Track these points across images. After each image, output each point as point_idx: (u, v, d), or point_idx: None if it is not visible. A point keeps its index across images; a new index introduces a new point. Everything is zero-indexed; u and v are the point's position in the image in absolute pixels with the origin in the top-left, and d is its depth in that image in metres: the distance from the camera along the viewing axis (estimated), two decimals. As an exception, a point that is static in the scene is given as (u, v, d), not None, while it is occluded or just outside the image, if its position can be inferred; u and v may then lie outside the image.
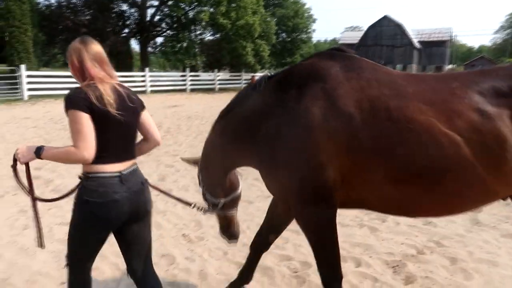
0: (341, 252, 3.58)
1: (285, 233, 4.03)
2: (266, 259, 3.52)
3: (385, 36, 53.50)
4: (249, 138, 2.28)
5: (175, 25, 30.31)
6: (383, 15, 53.94)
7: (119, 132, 2.04)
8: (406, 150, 1.93)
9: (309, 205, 2.16)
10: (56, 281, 3.11)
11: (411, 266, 3.39)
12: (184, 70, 28.73)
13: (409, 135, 1.92)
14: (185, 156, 7.28)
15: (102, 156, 1.98)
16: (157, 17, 31.44)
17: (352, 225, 4.31)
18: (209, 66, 33.45)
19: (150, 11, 31.37)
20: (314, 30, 46.01)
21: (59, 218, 4.41)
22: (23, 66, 17.27)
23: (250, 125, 2.27)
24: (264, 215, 4.54)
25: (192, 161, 2.92)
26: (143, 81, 24.71)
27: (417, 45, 53.88)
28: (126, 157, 2.10)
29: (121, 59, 30.57)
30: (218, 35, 30.53)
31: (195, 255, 3.60)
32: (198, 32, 31.26)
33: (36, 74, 18.75)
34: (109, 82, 2.05)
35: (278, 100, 2.18)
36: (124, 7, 32.18)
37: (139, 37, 31.11)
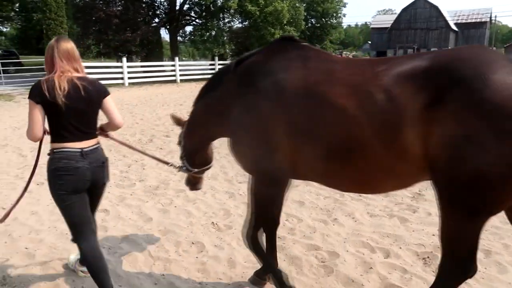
0: (370, 242, 3.58)
1: (312, 223, 4.06)
2: (294, 248, 3.55)
3: (419, 18, 51.56)
4: (223, 116, 2.66)
5: (203, 14, 30.41)
6: (417, -3, 51.86)
7: (74, 117, 2.48)
8: (327, 131, 2.17)
9: (260, 181, 2.60)
10: (92, 266, 3.25)
11: (442, 258, 3.32)
12: (213, 59, 28.85)
13: (329, 118, 2.15)
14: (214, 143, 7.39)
15: (64, 136, 2.49)
16: (186, 6, 31.65)
17: (381, 215, 4.26)
18: (237, 54, 33.41)
19: (179, 0, 31.60)
20: (344, 15, 44.97)
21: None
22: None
23: (224, 106, 2.65)
24: (293, 204, 4.57)
25: (178, 122, 3.32)
26: (173, 70, 25.02)
27: (454, 27, 51.66)
28: (86, 138, 2.56)
29: (151, 49, 31.11)
30: (246, 23, 30.40)
31: (224, 243, 3.67)
32: (226, 20, 31.30)
33: (72, 65, 19.31)
34: (68, 75, 2.46)
35: (240, 90, 2.53)
36: (154, -4, 32.59)
37: (168, 27, 31.43)
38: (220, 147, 7.30)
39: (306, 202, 4.66)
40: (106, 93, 2.67)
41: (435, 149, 1.87)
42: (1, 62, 18.14)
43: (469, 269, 2.07)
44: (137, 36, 28.05)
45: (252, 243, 2.86)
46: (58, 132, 2.50)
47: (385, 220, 4.14)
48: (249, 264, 3.29)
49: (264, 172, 2.52)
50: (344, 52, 73.54)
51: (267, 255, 2.89)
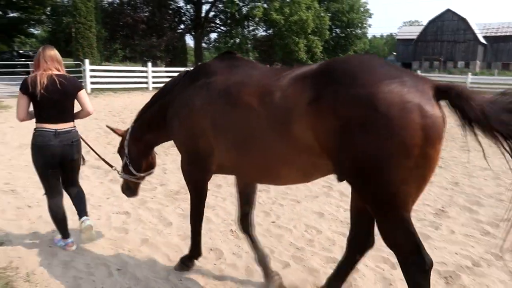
0: (391, 258, 3.52)
1: (332, 235, 4.02)
2: (312, 260, 3.53)
3: (446, 31, 50.79)
4: (165, 118, 3.11)
5: (228, 21, 30.79)
6: (445, 9, 51.15)
7: (51, 105, 3.28)
8: (236, 125, 2.48)
9: (188, 165, 3.03)
10: (113, 266, 3.32)
11: (465, 278, 3.24)
12: (236, 66, 29.11)
13: (237, 112, 2.46)
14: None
15: (43, 118, 3.31)
16: (211, 13, 32.13)
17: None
18: (261, 62, 33.64)
19: (205, 8, 32.10)
20: (370, 25, 44.56)
21: (116, 207, 4.68)
22: (87, 61, 18.35)
23: (168, 108, 3.07)
24: (312, 215, 4.55)
25: (116, 132, 3.73)
26: (196, 76, 25.32)
27: (483, 40, 50.59)
28: (60, 121, 3.36)
29: (176, 54, 31.61)
30: (270, 31, 30.61)
31: (242, 251, 3.69)
32: (251, 28, 31.58)
33: (98, 68, 19.84)
34: (49, 73, 3.28)
35: (182, 89, 2.96)
36: (181, 3, 33.26)
37: (194, 33, 31.93)
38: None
39: (325, 213, 4.63)
40: (80, 88, 3.53)
41: (323, 141, 2.09)
42: (31, 64, 18.74)
43: (419, 261, 2.09)
44: (162, 41, 28.61)
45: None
46: (39, 115, 3.34)
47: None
48: (266, 273, 3.28)
49: (190, 153, 2.94)
50: (368, 63, 73.08)
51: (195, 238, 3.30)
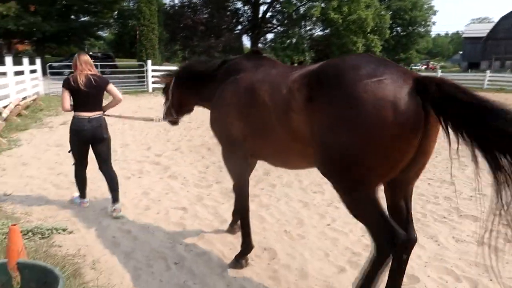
0: (455, 270, 3.31)
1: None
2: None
3: (521, 28, 46.96)
4: (207, 93, 3.60)
5: (285, 21, 30.75)
6: (520, 4, 47.34)
7: (87, 97, 4.20)
8: (255, 115, 2.85)
9: (227, 152, 3.37)
10: (170, 260, 3.43)
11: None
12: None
13: (256, 105, 2.82)
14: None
15: (80, 108, 4.24)
16: (268, 14, 32.29)
17: (469, 241, 3.92)
18: (317, 62, 33.22)
19: (262, 8, 32.33)
20: (434, 23, 42.42)
21: (174, 202, 4.84)
22: (149, 62, 19.21)
23: (210, 88, 3.52)
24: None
25: (162, 79, 4.26)
26: (252, 76, 25.60)
27: None
28: (93, 110, 4.26)
29: (233, 55, 32.13)
30: (327, 31, 30.14)
31: (296, 252, 3.65)
32: (308, 28, 31.31)
33: (159, 68, 20.71)
34: (85, 72, 4.20)
35: (220, 82, 3.36)
36: (239, 4, 33.78)
37: (250, 34, 32.29)
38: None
39: (383, 219, 4.45)
40: (108, 83, 4.40)
41: (316, 135, 2.32)
42: (100, 64, 19.98)
43: (391, 240, 2.25)
44: (220, 42, 29.26)
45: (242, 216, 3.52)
46: (77, 105, 4.25)
47: (473, 247, 3.80)
48: (320, 277, 3.22)
49: (226, 141, 3.30)
50: (431, 62, 69.43)
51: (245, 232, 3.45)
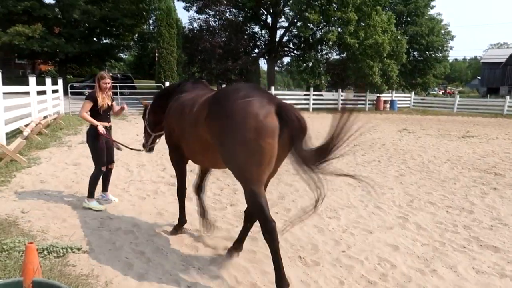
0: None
1: (407, 271, 3.77)
2: (386, 296, 3.31)
3: (541, 54, 46.42)
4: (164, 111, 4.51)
5: (302, 45, 31.10)
6: (539, 31, 46.97)
7: (104, 111, 5.31)
8: (181, 125, 3.89)
9: (170, 150, 4.40)
10: (183, 283, 3.41)
11: None
12: (308, 89, 29.17)
13: (185, 120, 3.79)
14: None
15: (101, 118, 5.28)
16: (285, 38, 32.72)
17: (490, 272, 3.80)
18: (333, 86, 33.32)
19: (279, 32, 32.84)
20: (451, 48, 42.13)
21: (188, 224, 4.83)
22: (167, 83, 19.59)
23: (166, 106, 4.46)
24: (386, 247, 4.31)
25: (142, 102, 5.39)
26: (268, 98, 25.78)
27: None
28: (107, 120, 5.40)
29: (249, 77, 32.58)
30: (344, 55, 30.31)
31: (310, 279, 3.59)
32: (324, 52, 31.53)
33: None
34: (104, 92, 5.28)
35: (171, 100, 4.41)
36: (256, 28, 34.37)
37: (267, 57, 32.72)
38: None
39: (400, 247, 4.35)
40: (113, 100, 5.52)
41: (213, 140, 3.34)
42: (119, 85, 20.48)
43: (266, 222, 3.18)
44: (237, 65, 29.71)
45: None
46: (98, 116, 5.26)
47: (494, 279, 3.67)
48: (335, 306, 3.15)
49: (171, 144, 4.30)
50: (449, 87, 68.88)
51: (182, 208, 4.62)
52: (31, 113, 11.37)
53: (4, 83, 8.43)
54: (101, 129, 5.16)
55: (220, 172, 7.60)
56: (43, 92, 13.53)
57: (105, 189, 5.68)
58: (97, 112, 5.24)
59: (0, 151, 7.56)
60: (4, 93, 8.43)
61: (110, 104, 5.38)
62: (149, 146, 5.22)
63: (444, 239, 4.61)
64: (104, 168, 5.38)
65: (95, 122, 5.18)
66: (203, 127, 3.39)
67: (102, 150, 5.28)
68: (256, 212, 3.22)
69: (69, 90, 17.25)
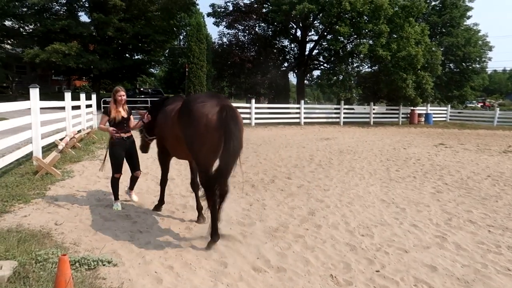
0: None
1: None
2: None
3: None
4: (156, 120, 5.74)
5: (332, 59, 30.97)
6: None
7: (121, 123, 5.87)
8: (164, 131, 5.29)
9: (159, 152, 5.72)
10: (211, 300, 3.39)
11: None
12: (338, 103, 28.92)
13: (166, 125, 5.14)
14: (336, 190, 7.23)
15: (117, 131, 5.77)
16: (315, 51, 32.71)
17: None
18: (364, 99, 32.89)
19: (309, 46, 32.88)
20: (490, 59, 40.73)
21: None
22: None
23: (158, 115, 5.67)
24: (423, 268, 4.15)
25: (139, 113, 6.09)
26: (297, 112, 25.78)
27: None
28: (126, 132, 5.91)
29: (278, 91, 32.69)
30: (376, 67, 29.94)
31: (342, 299, 3.49)
32: (355, 65, 31.25)
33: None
34: (119, 106, 5.90)
35: (160, 111, 5.63)
36: (285, 42, 34.55)
37: (296, 71, 32.77)
38: (343, 195, 7.13)
39: (439, 268, 4.18)
40: (131, 113, 6.07)
41: (183, 135, 4.63)
42: (150, 100, 21.01)
43: (209, 192, 4.44)
44: (266, 79, 29.92)
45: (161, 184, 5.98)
46: (116, 127, 5.79)
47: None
48: (370, 328, 3.04)
49: (159, 146, 5.68)
50: (488, 100, 66.54)
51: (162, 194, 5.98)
52: (66, 128, 11.82)
53: (41, 99, 8.82)
54: (111, 129, 5.70)
55: (249, 187, 7.61)
56: (78, 107, 14.07)
57: (131, 187, 6.47)
58: (112, 124, 5.80)
59: (36, 164, 7.88)
60: (41, 108, 8.81)
61: (126, 116, 5.91)
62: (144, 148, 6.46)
63: (487, 261, 4.39)
64: (117, 175, 5.93)
65: (109, 128, 5.73)
66: (176, 126, 4.71)
67: (117, 158, 5.84)
68: (205, 188, 4.41)
69: (102, 105, 17.84)
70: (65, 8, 32.91)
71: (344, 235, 5.13)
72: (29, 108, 8.46)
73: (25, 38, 32.37)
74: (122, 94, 5.87)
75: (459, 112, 35.37)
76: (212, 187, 4.30)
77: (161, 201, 6.00)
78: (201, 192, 4.62)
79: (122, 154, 5.88)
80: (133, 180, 6.34)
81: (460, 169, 10.41)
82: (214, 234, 4.52)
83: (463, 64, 36.13)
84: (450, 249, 4.73)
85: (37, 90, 8.61)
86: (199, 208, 5.54)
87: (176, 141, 4.87)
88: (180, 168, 9.29)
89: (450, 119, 33.48)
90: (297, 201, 6.70)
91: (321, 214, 6.01)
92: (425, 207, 6.54)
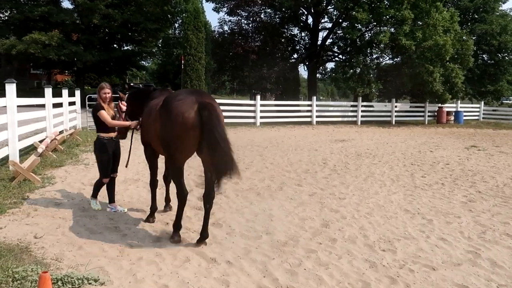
0: None
1: None
2: None
3: None
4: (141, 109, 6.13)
5: (348, 49, 30.98)
6: None
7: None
8: (147, 127, 5.71)
9: (144, 148, 6.18)
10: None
11: None
12: (355, 99, 28.91)
13: (148, 121, 5.62)
14: (353, 199, 7.23)
15: (107, 131, 6.30)
16: (329, 41, 32.75)
17: None
18: (385, 95, 32.85)
19: (321, 35, 32.91)
20: (529, 49, 40.50)
21: (217, 254, 4.85)
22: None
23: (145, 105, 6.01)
24: (452, 287, 4.14)
25: (121, 99, 6.69)
26: (309, 110, 25.79)
27: None
28: (113, 131, 6.33)
29: (287, 86, 32.69)
30: (398, 59, 29.92)
31: (361, 323, 3.49)
32: (374, 56, 31.24)
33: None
34: (108, 105, 6.35)
35: (146, 103, 5.96)
36: (295, 31, 34.61)
37: (307, 63, 32.81)
38: (361, 204, 7.12)
39: None
40: (115, 112, 6.53)
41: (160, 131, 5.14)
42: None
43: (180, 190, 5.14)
44: (273, 72, 29.96)
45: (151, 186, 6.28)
46: (104, 127, 6.24)
47: None
48: None
49: (144, 142, 6.09)
50: (527, 96, 66.01)
51: (153, 198, 6.19)
52: (46, 128, 11.91)
53: (18, 95, 8.90)
54: (134, 124, 6.21)
55: (254, 196, 7.62)
56: (59, 105, 14.17)
57: (111, 200, 6.56)
58: (102, 123, 6.19)
59: (13, 169, 7.95)
60: (18, 106, 8.89)
61: (113, 114, 6.34)
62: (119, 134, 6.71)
63: (527, 280, 4.37)
64: (106, 180, 6.36)
65: (127, 123, 6.29)
66: (158, 122, 5.13)
67: (107, 162, 6.29)
68: (176, 185, 5.09)
69: (86, 102, 17.96)
70: (45, -7, 33.23)
71: (363, 250, 5.13)
72: (5, 106, 8.54)
73: (0, 27, 32.66)
74: (106, 92, 6.26)
75: (493, 110, 35.22)
76: (183, 185, 5.11)
77: (153, 208, 6.11)
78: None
79: (111, 156, 6.32)
80: (111, 188, 6.54)
81: (495, 175, 10.37)
82: (174, 231, 5.25)
83: (499, 55, 36.00)
84: (485, 267, 4.71)
85: (14, 85, 8.69)
86: (167, 199, 6.58)
87: (157, 137, 5.26)
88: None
89: (483, 118, 33.34)
90: (309, 211, 6.71)
91: (336, 226, 6.00)
92: (455, 218, 6.52)
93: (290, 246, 5.20)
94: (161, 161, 6.09)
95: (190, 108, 4.72)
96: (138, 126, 6.25)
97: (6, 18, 33.15)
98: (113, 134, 6.30)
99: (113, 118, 6.29)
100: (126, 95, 6.50)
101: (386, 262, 4.77)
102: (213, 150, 4.59)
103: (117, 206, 6.52)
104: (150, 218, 6.02)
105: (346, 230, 5.85)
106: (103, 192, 6.56)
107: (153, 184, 6.16)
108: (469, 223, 6.33)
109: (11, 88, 8.63)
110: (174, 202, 5.76)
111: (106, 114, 6.16)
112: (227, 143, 4.65)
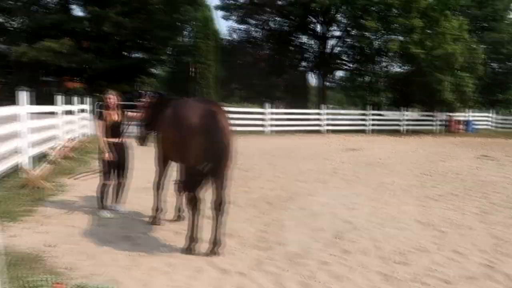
0: None
1: None
2: None
3: None
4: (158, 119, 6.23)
5: (357, 57, 30.96)
6: None
7: (114, 127, 6.62)
8: (170, 134, 5.63)
9: (159, 154, 6.29)
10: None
11: None
12: (364, 108, 28.82)
13: (164, 128, 5.87)
14: (365, 209, 7.17)
15: (109, 135, 6.56)
16: (338, 49, 32.76)
17: None
18: (395, 104, 32.71)
19: (331, 43, 32.95)
20: (540, 58, 40.20)
21: (228, 265, 4.82)
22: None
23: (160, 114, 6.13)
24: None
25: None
26: (318, 119, 25.75)
27: None
28: (117, 137, 6.67)
29: (296, 94, 32.72)
30: (407, 67, 29.83)
31: (376, 338, 3.44)
32: (383, 65, 31.16)
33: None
34: (113, 111, 6.67)
35: (163, 112, 6.00)
36: (304, 39, 34.66)
37: (317, 71, 32.83)
38: (372, 215, 7.06)
39: (488, 302, 4.10)
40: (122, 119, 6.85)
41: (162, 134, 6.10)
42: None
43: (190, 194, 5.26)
44: (282, 80, 29.99)
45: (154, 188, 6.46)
46: (107, 133, 6.51)
47: None
48: None
49: (160, 149, 6.21)
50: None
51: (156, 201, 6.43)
52: (57, 135, 12.00)
53: (30, 103, 8.98)
54: (108, 156, 6.43)
55: (265, 205, 7.59)
56: (70, 112, 14.28)
57: (114, 200, 6.82)
58: (106, 129, 6.52)
59: (24, 177, 7.99)
60: (29, 113, 8.97)
61: (119, 120, 6.66)
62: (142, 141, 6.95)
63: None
64: (107, 182, 6.60)
65: (104, 149, 6.46)
66: (170, 128, 5.54)
67: (108, 166, 6.53)
68: (187, 188, 5.31)
69: (95, 109, 18.05)
70: (57, 1, 33.63)
71: (376, 262, 5.07)
72: (17, 114, 8.61)
73: (12, 34, 33.10)
74: (109, 97, 6.64)
75: (504, 119, 34.91)
76: (195, 189, 5.17)
77: (156, 209, 6.34)
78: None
79: (114, 160, 6.58)
80: (118, 191, 6.81)
81: (508, 185, 10.25)
82: (186, 241, 5.25)
83: (508, 63, 35.75)
84: (500, 281, 4.63)
85: (26, 94, 8.77)
86: (179, 209, 6.60)
87: (171, 145, 5.60)
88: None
89: (494, 127, 33.05)
90: (321, 222, 6.66)
91: (348, 237, 5.95)
92: (468, 230, 6.44)
93: (304, 257, 5.15)
94: (172, 169, 6.10)
95: (195, 114, 5.09)
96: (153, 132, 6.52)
97: (19, 25, 33.58)
98: (112, 140, 6.53)
99: (118, 124, 6.64)
100: (145, 102, 6.61)
101: (399, 275, 4.71)
102: (208, 154, 4.92)
103: (119, 206, 6.82)
104: (155, 219, 6.29)
105: (359, 241, 5.79)
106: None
107: (157, 185, 6.37)
108: (482, 235, 6.24)
109: (23, 96, 8.72)
110: (186, 212, 5.74)
111: (100, 124, 6.55)
112: (224, 151, 5.01)
